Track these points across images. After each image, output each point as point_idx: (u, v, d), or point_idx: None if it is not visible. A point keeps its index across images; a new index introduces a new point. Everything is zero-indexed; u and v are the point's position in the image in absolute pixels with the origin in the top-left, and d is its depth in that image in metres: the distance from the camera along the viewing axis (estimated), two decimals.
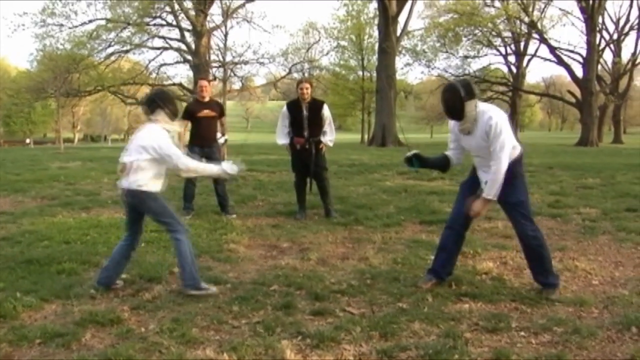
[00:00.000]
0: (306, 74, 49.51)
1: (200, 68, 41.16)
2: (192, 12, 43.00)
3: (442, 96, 5.67)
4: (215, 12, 45.98)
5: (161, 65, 46.08)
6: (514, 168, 5.72)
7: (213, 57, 46.09)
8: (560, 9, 53.39)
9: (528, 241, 5.88)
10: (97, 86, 44.64)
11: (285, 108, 9.57)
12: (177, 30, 44.35)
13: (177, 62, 45.88)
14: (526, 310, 5.31)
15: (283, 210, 10.05)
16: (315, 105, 9.40)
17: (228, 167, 6.01)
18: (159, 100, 5.83)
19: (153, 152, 5.64)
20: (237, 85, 50.25)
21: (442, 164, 6.15)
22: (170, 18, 44.07)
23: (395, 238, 8.06)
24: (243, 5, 45.39)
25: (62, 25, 42.78)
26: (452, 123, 5.90)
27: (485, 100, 37.81)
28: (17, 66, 69.81)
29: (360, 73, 58.10)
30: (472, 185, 5.96)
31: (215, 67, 45.95)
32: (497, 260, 6.98)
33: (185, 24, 43.82)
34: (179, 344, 4.52)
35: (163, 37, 44.79)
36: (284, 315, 5.13)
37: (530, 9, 46.90)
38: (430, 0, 52.59)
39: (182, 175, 6.13)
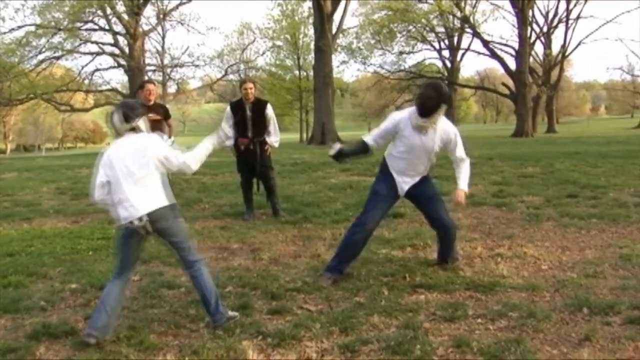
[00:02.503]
0: (242, 75, 49.26)
1: (135, 72, 40.57)
2: (125, 16, 42.33)
3: (424, 89, 6.01)
4: (148, 15, 45.36)
5: (95, 70, 45.26)
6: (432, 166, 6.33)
7: (148, 60, 45.55)
8: (491, 3, 54.09)
9: (449, 231, 6.33)
10: (29, 94, 43.48)
11: (228, 108, 9.50)
12: (110, 35, 43.64)
13: (112, 67, 45.12)
14: (481, 298, 5.40)
15: (230, 211, 9.96)
16: (259, 105, 9.34)
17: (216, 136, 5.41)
18: (141, 108, 5.15)
19: (162, 160, 4.93)
20: (172, 88, 49.77)
21: (364, 152, 6.32)
22: (102, 22, 43.29)
23: None
24: (177, 7, 44.99)
25: None
26: (401, 116, 6.07)
27: None
28: None
29: (296, 72, 58.07)
30: (389, 190, 6.18)
31: (151, 70, 45.38)
32: None
33: (119, 27, 43.15)
34: (138, 351, 4.45)
35: (96, 42, 43.97)
36: (241, 316, 5.08)
37: (463, 4, 47.60)
38: None
39: (190, 172, 5.29)
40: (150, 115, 9.45)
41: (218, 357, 4.29)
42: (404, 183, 6.14)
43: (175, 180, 10.03)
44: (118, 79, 47.13)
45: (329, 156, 6.36)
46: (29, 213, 10.70)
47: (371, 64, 56.15)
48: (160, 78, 45.17)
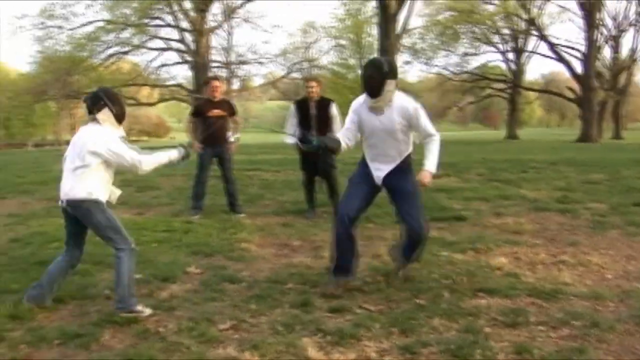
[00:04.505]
0: (306, 73, 49.37)
1: (200, 68, 41.11)
2: (192, 13, 42.93)
3: (365, 69, 5.83)
4: (215, 12, 45.84)
5: (161, 66, 46.04)
6: (409, 158, 5.93)
7: (213, 57, 46.06)
8: (559, 5, 52.98)
9: (416, 234, 5.87)
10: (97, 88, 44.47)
11: (293, 106, 9.56)
12: (176, 31, 44.31)
13: (177, 63, 45.78)
14: (543, 305, 5.31)
15: (292, 208, 10.02)
16: (324, 104, 9.36)
17: (182, 150, 5.65)
18: (105, 98, 5.28)
19: (106, 154, 5.15)
20: (237, 85, 50.18)
21: (337, 148, 5.89)
22: (169, 18, 44.01)
23: None
24: (243, 5, 45.37)
25: (61, 27, 42.75)
26: (357, 103, 5.90)
27: (485, 98, 38.00)
28: (16, 69, 69.62)
29: (359, 72, 57.94)
30: (364, 178, 5.95)
31: (216, 67, 45.86)
32: (509, 255, 6.98)
33: (185, 24, 43.77)
34: (199, 343, 4.52)
35: (162, 38, 44.72)
36: (302, 313, 5.13)
37: (529, 6, 46.85)
38: None
39: (141, 173, 5.48)
40: (215, 111, 9.62)
41: (277, 352, 4.32)
42: (378, 170, 5.86)
43: (238, 175, 10.14)
44: (183, 74, 47.75)
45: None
46: None
47: (435, 65, 55.66)
48: (225, 74, 45.60)
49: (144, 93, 51.04)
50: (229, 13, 44.29)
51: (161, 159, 5.53)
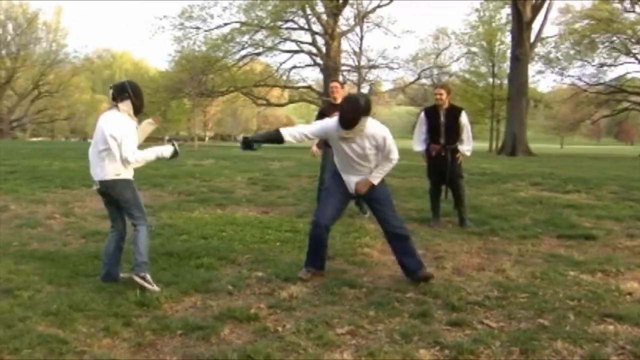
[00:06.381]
0: (435, 80, 49.06)
1: (330, 71, 41.59)
2: (325, 16, 43.55)
3: (345, 104, 6.16)
4: (347, 16, 46.32)
5: (292, 67, 47.00)
6: None
7: (344, 60, 46.53)
8: None
9: (397, 232, 6.41)
10: (229, 87, 45.97)
11: (422, 114, 9.45)
12: (309, 34, 45.09)
13: (308, 65, 46.60)
14: None
15: (416, 216, 9.90)
16: (453, 112, 9.17)
17: (172, 148, 6.15)
18: (130, 90, 5.88)
19: (119, 139, 5.72)
20: (366, 89, 50.50)
21: (277, 140, 6.34)
22: (302, 22, 44.87)
23: (532, 251, 7.76)
24: (375, 9, 45.59)
25: (198, 28, 44.45)
26: (330, 124, 6.23)
27: (621, 112, 36.57)
28: (155, 67, 72.92)
29: (490, 80, 57.01)
30: (339, 187, 6.45)
31: (346, 70, 46.29)
32: None
33: (317, 27, 44.47)
34: (316, 345, 4.54)
35: (295, 41, 45.63)
36: (420, 323, 5.06)
37: None
38: (566, 5, 51.02)
39: (131, 166, 5.96)
40: (336, 114, 9.62)
41: None
42: (351, 182, 6.38)
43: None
44: (313, 77, 48.62)
45: (241, 150, 6.46)
46: (223, 200, 11.29)
47: (569, 75, 53.92)
48: (355, 79, 45.94)
49: (275, 94, 52.24)
50: (361, 17, 44.61)
51: (151, 155, 6.02)
